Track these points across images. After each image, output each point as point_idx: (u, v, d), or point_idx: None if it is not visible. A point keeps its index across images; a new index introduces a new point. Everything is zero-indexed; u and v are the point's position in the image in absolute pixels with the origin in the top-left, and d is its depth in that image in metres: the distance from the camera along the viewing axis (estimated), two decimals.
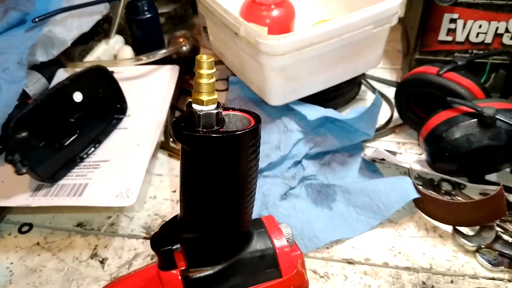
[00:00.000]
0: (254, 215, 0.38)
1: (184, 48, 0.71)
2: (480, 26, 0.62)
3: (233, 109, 0.32)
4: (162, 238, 0.33)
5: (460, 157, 0.48)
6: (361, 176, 0.54)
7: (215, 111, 0.29)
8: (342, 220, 0.49)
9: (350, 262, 0.45)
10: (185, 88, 0.71)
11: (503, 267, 0.43)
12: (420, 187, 0.49)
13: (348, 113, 0.56)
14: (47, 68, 0.66)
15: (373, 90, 0.69)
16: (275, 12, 0.64)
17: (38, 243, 0.49)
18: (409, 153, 0.57)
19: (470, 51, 0.64)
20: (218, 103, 0.30)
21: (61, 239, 0.49)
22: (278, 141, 0.57)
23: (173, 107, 0.66)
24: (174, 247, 0.33)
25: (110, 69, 0.61)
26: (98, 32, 0.76)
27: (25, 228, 0.51)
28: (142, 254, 0.47)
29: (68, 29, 0.67)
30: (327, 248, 0.47)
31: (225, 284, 0.34)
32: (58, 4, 0.65)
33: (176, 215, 0.34)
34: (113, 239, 0.49)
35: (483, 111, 0.47)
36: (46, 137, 0.50)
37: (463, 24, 0.62)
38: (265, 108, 0.61)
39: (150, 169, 0.56)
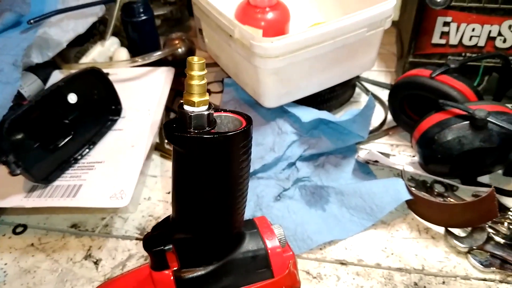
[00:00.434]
0: (248, 216, 0.39)
1: (179, 50, 0.71)
2: (473, 30, 0.62)
3: (225, 111, 0.33)
4: (154, 239, 0.33)
5: (452, 159, 0.48)
6: (355, 177, 0.54)
7: (206, 112, 0.29)
8: (335, 221, 0.49)
9: (343, 263, 0.45)
10: (180, 90, 0.71)
11: (494, 268, 0.44)
12: (413, 188, 0.49)
13: (342, 115, 0.56)
14: (42, 70, 0.66)
15: (367, 92, 0.70)
16: (270, 15, 0.65)
17: (32, 244, 0.49)
18: (403, 155, 0.58)
19: (463, 54, 0.65)
20: (210, 104, 0.30)
21: (55, 240, 0.49)
22: (272, 143, 0.57)
23: (168, 108, 0.66)
24: (166, 247, 0.33)
25: (105, 70, 0.61)
26: (94, 34, 0.77)
27: (19, 229, 0.51)
28: (136, 255, 0.47)
29: (63, 30, 0.68)
30: (320, 249, 0.47)
31: (217, 284, 0.35)
32: (53, 6, 0.66)
33: (169, 216, 0.35)
34: (107, 240, 0.49)
35: (474, 114, 0.47)
36: (40, 138, 0.50)
37: (456, 27, 0.63)
38: (259, 110, 0.61)
39: (144, 171, 0.56)
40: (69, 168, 0.52)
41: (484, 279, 0.43)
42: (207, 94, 0.30)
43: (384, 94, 0.68)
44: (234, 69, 0.63)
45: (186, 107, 0.29)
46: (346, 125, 0.56)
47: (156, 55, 0.67)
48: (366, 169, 0.56)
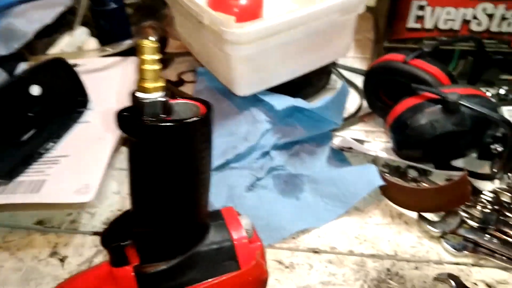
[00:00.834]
0: (220, 207, 0.38)
1: (151, 38, 0.69)
2: (448, 13, 0.62)
3: (183, 97, 0.31)
4: (112, 234, 0.32)
5: (424, 144, 0.48)
6: (329, 165, 0.54)
7: (161, 99, 0.28)
8: (309, 209, 0.48)
9: (315, 251, 0.45)
10: None
11: (467, 252, 0.43)
12: (387, 174, 0.49)
13: (316, 102, 0.55)
14: (7, 62, 0.64)
15: (344, 79, 0.69)
16: (243, 1, 0.63)
17: None
18: (377, 141, 0.57)
19: (438, 38, 0.64)
20: (165, 91, 0.29)
21: (20, 238, 0.48)
22: (246, 132, 0.56)
23: None
24: (125, 243, 0.32)
25: (73, 61, 0.59)
26: (63, 25, 0.74)
27: None
28: (103, 251, 0.46)
29: (29, 21, 0.65)
30: (293, 238, 0.46)
31: (181, 279, 0.33)
32: None
33: (128, 210, 0.33)
34: (74, 237, 0.47)
35: (447, 97, 0.46)
36: (2, 133, 0.48)
37: (431, 11, 0.62)
38: (233, 99, 0.60)
39: (113, 164, 0.54)
40: (33, 163, 0.50)
41: (457, 263, 0.43)
42: (162, 80, 0.29)
43: (359, 80, 0.67)
44: (206, 57, 0.62)
45: (138, 94, 0.28)
46: (319, 111, 0.55)
47: (126, 43, 0.65)
48: (340, 156, 0.55)
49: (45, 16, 0.67)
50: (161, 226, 0.32)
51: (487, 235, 0.44)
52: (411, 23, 0.63)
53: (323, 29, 0.55)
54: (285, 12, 0.51)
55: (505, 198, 0.48)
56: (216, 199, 0.49)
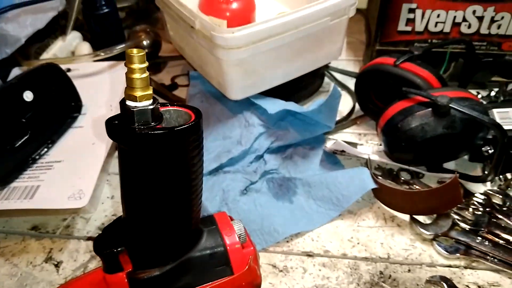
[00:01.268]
0: (214, 212, 0.38)
1: (144, 42, 0.69)
2: (438, 16, 0.62)
3: (172, 105, 0.31)
4: (105, 241, 0.32)
5: (416, 147, 0.48)
6: (323, 168, 0.54)
7: (150, 107, 0.28)
8: (302, 213, 0.49)
9: (309, 254, 0.45)
10: None
11: (459, 254, 0.44)
12: (379, 177, 0.49)
13: (309, 106, 0.56)
14: (0, 67, 0.64)
15: (336, 82, 0.69)
16: (235, 5, 0.63)
17: None
18: (370, 144, 0.57)
19: (429, 41, 0.64)
20: (154, 99, 0.29)
21: (15, 243, 0.48)
22: (239, 136, 0.56)
23: None
24: (118, 249, 0.32)
25: (66, 66, 0.59)
26: (55, 29, 0.74)
27: None
28: (98, 257, 0.46)
29: (21, 26, 0.65)
30: (287, 241, 0.47)
31: (174, 284, 0.34)
32: (9, 1, 0.63)
33: (120, 216, 0.33)
34: (69, 242, 0.47)
35: (437, 100, 0.47)
36: None
37: (421, 14, 0.62)
38: (226, 103, 0.60)
39: (107, 168, 0.54)
40: (27, 168, 0.50)
41: (449, 266, 0.43)
42: (151, 88, 0.29)
43: (352, 83, 0.67)
44: (199, 61, 0.62)
45: (128, 102, 0.28)
46: (312, 115, 0.55)
47: (119, 48, 0.65)
48: (334, 159, 0.55)
49: (37, 21, 0.67)
50: (153, 232, 0.32)
51: (479, 237, 0.44)
52: (402, 26, 0.64)
53: (314, 33, 0.55)
54: (276, 16, 0.52)
55: (496, 200, 0.49)
56: (210, 203, 0.49)
